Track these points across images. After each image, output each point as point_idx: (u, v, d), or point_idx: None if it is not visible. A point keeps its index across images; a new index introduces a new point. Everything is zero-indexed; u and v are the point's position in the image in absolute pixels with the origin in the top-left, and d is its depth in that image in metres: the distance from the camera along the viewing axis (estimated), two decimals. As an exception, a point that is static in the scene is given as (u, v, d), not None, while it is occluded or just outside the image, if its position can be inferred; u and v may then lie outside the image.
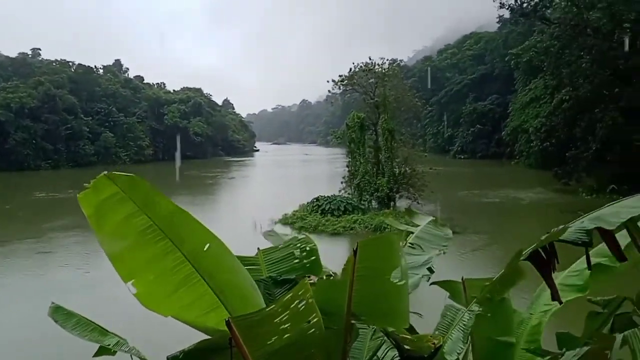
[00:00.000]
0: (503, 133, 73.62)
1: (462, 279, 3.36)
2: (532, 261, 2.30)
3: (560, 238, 2.12)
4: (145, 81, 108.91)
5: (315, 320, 2.15)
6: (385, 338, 2.77)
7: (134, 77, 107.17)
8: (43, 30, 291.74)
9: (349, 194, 33.75)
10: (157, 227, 2.43)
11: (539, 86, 55.36)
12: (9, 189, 54.82)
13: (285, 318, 2.12)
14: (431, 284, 3.25)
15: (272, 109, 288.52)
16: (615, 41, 39.78)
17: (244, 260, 3.29)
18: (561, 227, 2.17)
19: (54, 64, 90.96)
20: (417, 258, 3.37)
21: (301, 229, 26.85)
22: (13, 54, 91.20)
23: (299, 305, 2.12)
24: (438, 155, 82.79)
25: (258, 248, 3.58)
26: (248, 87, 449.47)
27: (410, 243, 3.71)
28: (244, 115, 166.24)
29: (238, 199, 47.42)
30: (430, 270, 3.30)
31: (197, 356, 2.55)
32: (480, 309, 2.54)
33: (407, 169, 34.89)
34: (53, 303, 3.09)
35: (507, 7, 47.46)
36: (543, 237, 2.23)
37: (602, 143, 38.70)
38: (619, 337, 1.98)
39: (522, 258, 2.29)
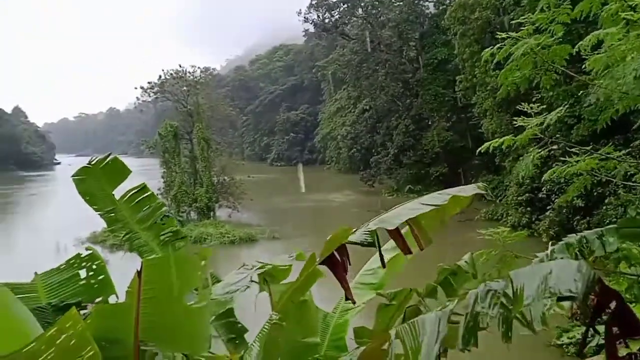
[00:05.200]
0: (314, 140, 78.12)
1: (268, 285, 3.35)
2: (327, 264, 2.40)
3: (349, 240, 2.25)
4: None
5: (90, 354, 1.86)
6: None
7: None
8: None
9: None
10: None
11: (344, 96, 59.91)
12: None
13: (51, 356, 1.79)
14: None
15: (75, 117, 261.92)
16: (404, 57, 45.06)
17: (16, 288, 2.79)
18: (345, 230, 2.30)
19: None
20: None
21: (113, 246, 24.86)
22: None
23: (68, 339, 1.81)
24: (256, 163, 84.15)
25: (35, 272, 3.10)
26: (43, 94, 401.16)
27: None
28: (40, 124, 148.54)
29: (39, 218, 42.03)
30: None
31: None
32: (278, 316, 2.55)
33: (226, 178, 34.86)
34: None
35: (310, 21, 50.55)
36: (328, 238, 2.34)
37: (398, 148, 43.45)
38: (393, 331, 2.15)
39: (316, 263, 2.37)
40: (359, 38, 47.57)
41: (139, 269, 2.08)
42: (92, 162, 3.81)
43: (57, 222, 35.26)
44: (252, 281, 3.11)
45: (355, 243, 2.28)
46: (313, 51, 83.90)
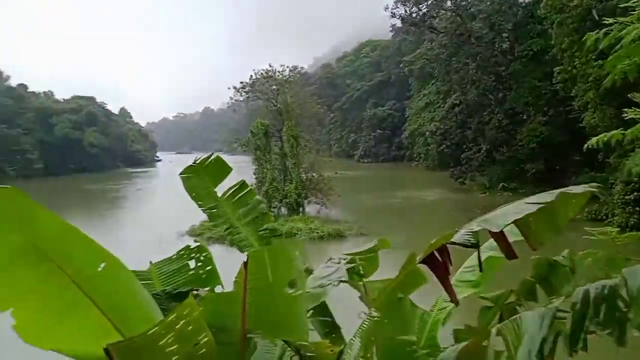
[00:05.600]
0: (402, 137, 77.20)
1: (362, 281, 3.41)
2: (427, 264, 2.39)
3: (450, 240, 2.23)
4: (30, 90, 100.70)
5: (205, 340, 2.00)
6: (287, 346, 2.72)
7: (16, 85, 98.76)
8: None
9: (257, 202, 33.55)
10: (38, 247, 2.08)
11: (432, 91, 58.70)
12: None
13: (170, 340, 1.92)
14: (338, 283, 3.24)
15: (174, 117, 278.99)
16: (496, 49, 43.19)
17: (136, 275, 3.02)
18: (450, 231, 2.27)
19: None
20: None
21: (210, 239, 26.13)
22: None
23: (186, 325, 1.95)
24: (343, 160, 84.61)
25: (150, 261, 3.37)
26: (146, 95, 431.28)
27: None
28: (143, 124, 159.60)
29: (145, 212, 45.21)
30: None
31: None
32: (378, 313, 2.57)
33: (314, 174, 35.41)
34: None
35: (397, 16, 49.91)
36: (433, 241, 2.32)
37: (491, 144, 41.76)
38: (494, 329, 2.10)
39: (416, 262, 2.37)
40: (447, 31, 46.24)
41: (245, 261, 2.20)
42: (197, 161, 4.05)
43: (159, 216, 37.74)
44: (342, 277, 3.16)
45: (457, 244, 2.25)
46: (400, 46, 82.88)
